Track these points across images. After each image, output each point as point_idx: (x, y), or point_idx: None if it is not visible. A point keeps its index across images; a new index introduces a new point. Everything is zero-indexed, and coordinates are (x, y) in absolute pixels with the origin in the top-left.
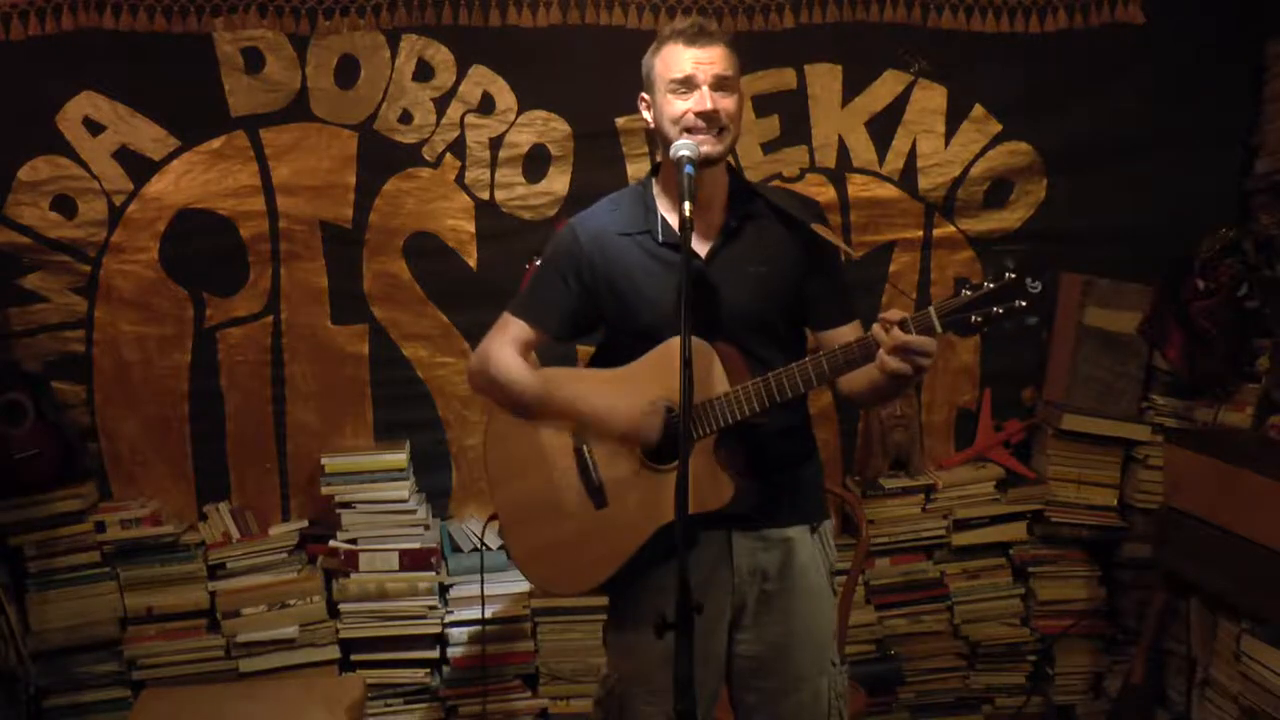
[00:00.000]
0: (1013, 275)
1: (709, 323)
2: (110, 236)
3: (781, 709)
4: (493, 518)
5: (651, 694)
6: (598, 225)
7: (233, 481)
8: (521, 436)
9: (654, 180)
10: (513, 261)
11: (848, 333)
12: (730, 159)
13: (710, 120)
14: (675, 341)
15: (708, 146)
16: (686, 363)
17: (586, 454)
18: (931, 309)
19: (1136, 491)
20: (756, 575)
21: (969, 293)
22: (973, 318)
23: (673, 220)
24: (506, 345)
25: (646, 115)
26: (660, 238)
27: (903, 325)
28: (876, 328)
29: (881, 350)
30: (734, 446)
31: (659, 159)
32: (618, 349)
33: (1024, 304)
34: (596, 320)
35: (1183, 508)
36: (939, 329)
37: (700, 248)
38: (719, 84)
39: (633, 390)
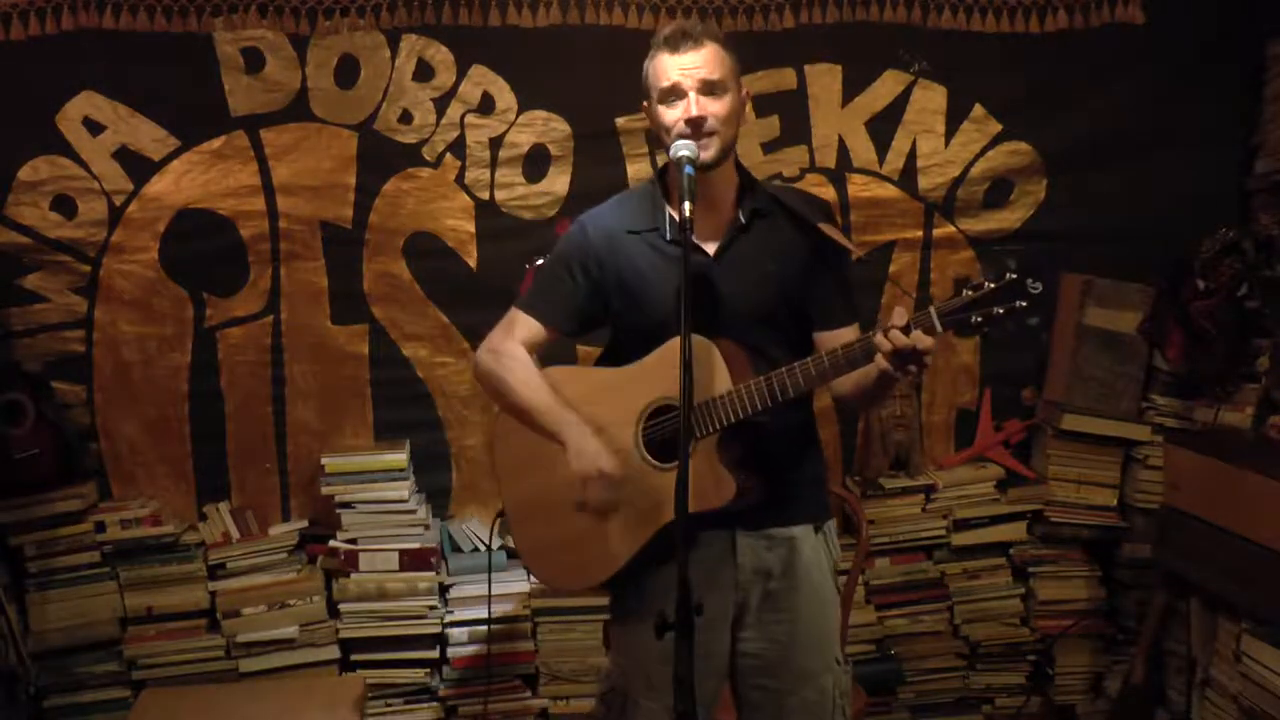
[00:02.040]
0: (1014, 275)
1: (716, 320)
2: (110, 236)
3: (785, 706)
4: (501, 514)
5: (652, 690)
6: (607, 222)
7: (233, 481)
8: (527, 432)
9: (662, 178)
10: (513, 261)
11: (847, 334)
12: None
13: (697, 127)
14: (678, 340)
15: (699, 152)
16: (686, 364)
17: None
18: (932, 309)
19: (1136, 491)
20: (760, 574)
21: (970, 293)
22: (973, 318)
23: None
24: (518, 344)
25: (650, 121)
26: (668, 235)
27: (905, 329)
28: (879, 337)
29: (881, 354)
30: (736, 445)
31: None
32: (625, 346)
33: (1024, 304)
34: (604, 317)
35: (1183, 508)
36: (939, 329)
37: (709, 245)
38: (706, 89)
39: (632, 392)
